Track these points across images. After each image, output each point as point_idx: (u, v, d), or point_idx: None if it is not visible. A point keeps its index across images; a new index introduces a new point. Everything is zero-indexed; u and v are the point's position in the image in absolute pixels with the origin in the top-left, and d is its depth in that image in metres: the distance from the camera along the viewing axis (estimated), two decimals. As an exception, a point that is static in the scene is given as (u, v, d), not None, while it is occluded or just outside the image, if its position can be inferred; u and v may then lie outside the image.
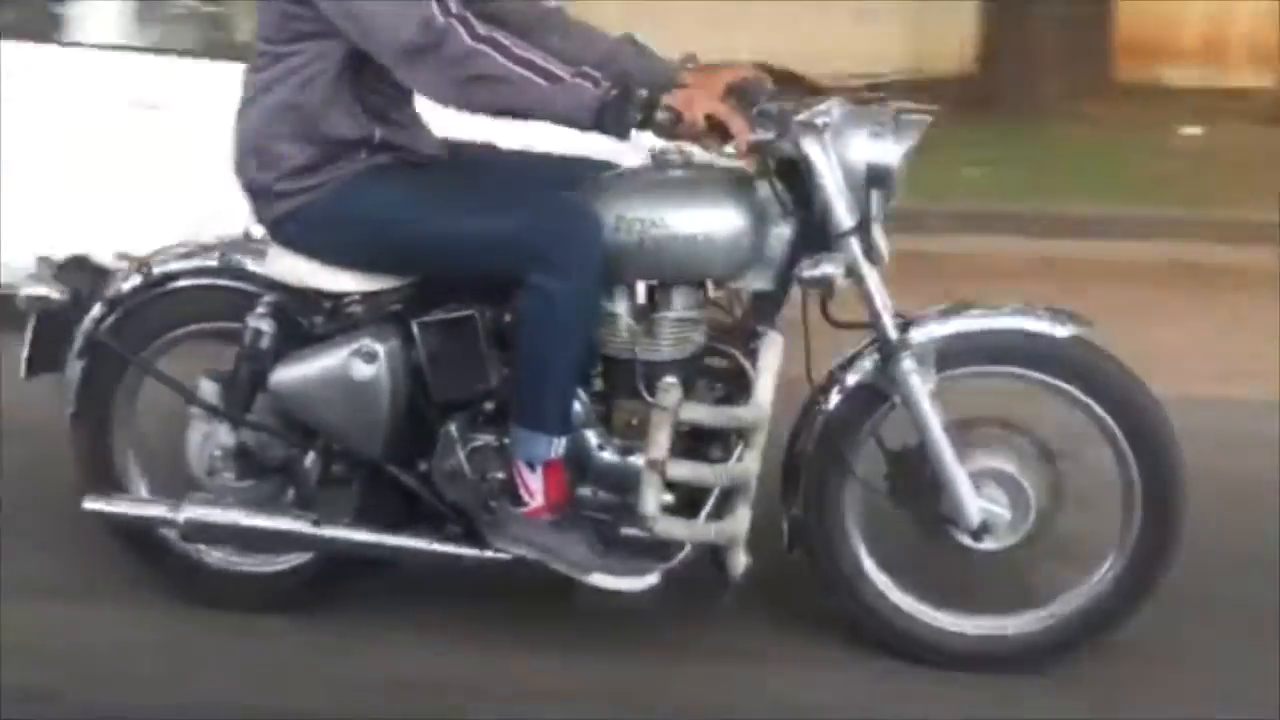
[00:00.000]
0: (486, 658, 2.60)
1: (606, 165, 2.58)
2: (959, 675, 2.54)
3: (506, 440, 2.46)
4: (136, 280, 2.63)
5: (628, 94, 2.22)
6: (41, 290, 2.63)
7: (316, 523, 2.57)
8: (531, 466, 2.39)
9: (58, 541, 2.94)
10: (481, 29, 2.22)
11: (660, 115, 2.23)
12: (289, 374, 2.51)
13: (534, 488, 2.40)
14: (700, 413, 2.39)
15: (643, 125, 2.24)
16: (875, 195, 2.37)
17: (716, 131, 2.26)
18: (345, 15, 2.27)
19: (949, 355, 2.45)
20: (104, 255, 2.72)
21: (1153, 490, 2.47)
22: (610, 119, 2.21)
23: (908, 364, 2.42)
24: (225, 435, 2.62)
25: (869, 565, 2.59)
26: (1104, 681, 2.54)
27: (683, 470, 2.38)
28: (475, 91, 2.23)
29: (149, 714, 2.46)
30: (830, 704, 2.49)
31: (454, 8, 2.22)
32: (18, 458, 3.27)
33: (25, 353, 2.67)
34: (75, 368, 2.66)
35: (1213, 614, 2.71)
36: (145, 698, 2.49)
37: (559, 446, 2.39)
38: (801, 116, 2.34)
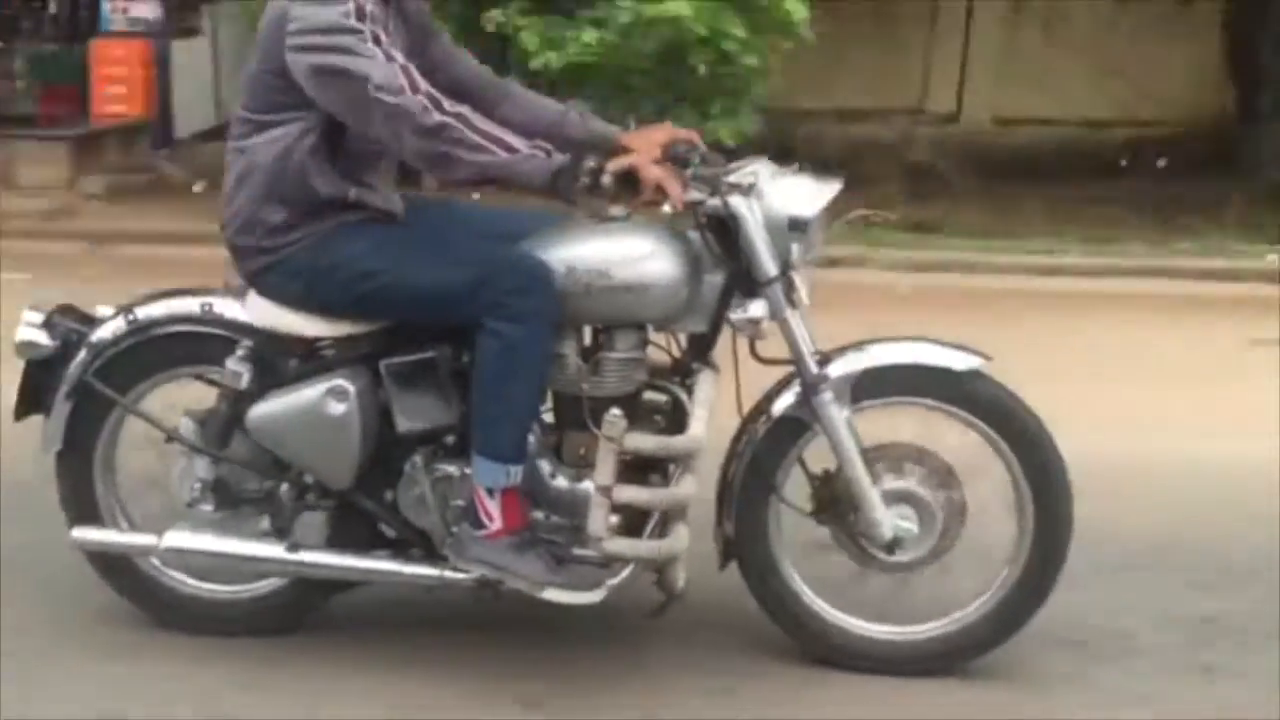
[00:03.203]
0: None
1: (555, 219, 2.85)
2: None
3: (467, 470, 2.70)
4: (121, 326, 2.83)
5: (577, 163, 2.50)
6: (32, 337, 2.83)
7: (291, 548, 2.79)
8: (490, 493, 2.64)
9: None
10: (449, 105, 2.50)
11: (605, 180, 2.51)
12: (266, 412, 2.74)
13: (493, 512, 2.64)
14: (642, 442, 2.65)
15: (589, 190, 2.52)
16: (795, 246, 2.67)
17: (658, 194, 2.54)
18: (322, 91, 2.53)
19: (862, 388, 2.75)
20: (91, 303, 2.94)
21: (1042, 506, 2.77)
22: (562, 184, 2.50)
23: (826, 396, 2.71)
24: (204, 470, 2.84)
25: (794, 578, 2.87)
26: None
27: (627, 495, 2.65)
28: (444, 159, 2.50)
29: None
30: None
31: (421, 85, 2.49)
32: None
33: (15, 397, 2.87)
34: (63, 409, 2.85)
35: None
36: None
37: (516, 474, 2.63)
38: (731, 178, 2.64)
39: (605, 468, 2.62)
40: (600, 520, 2.63)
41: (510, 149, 2.50)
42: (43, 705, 2.72)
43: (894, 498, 2.78)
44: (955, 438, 2.81)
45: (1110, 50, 9.48)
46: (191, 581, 2.99)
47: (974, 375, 2.75)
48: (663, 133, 2.81)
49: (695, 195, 2.61)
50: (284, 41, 2.55)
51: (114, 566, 2.98)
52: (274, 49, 2.58)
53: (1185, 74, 9.48)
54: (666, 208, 2.55)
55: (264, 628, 2.98)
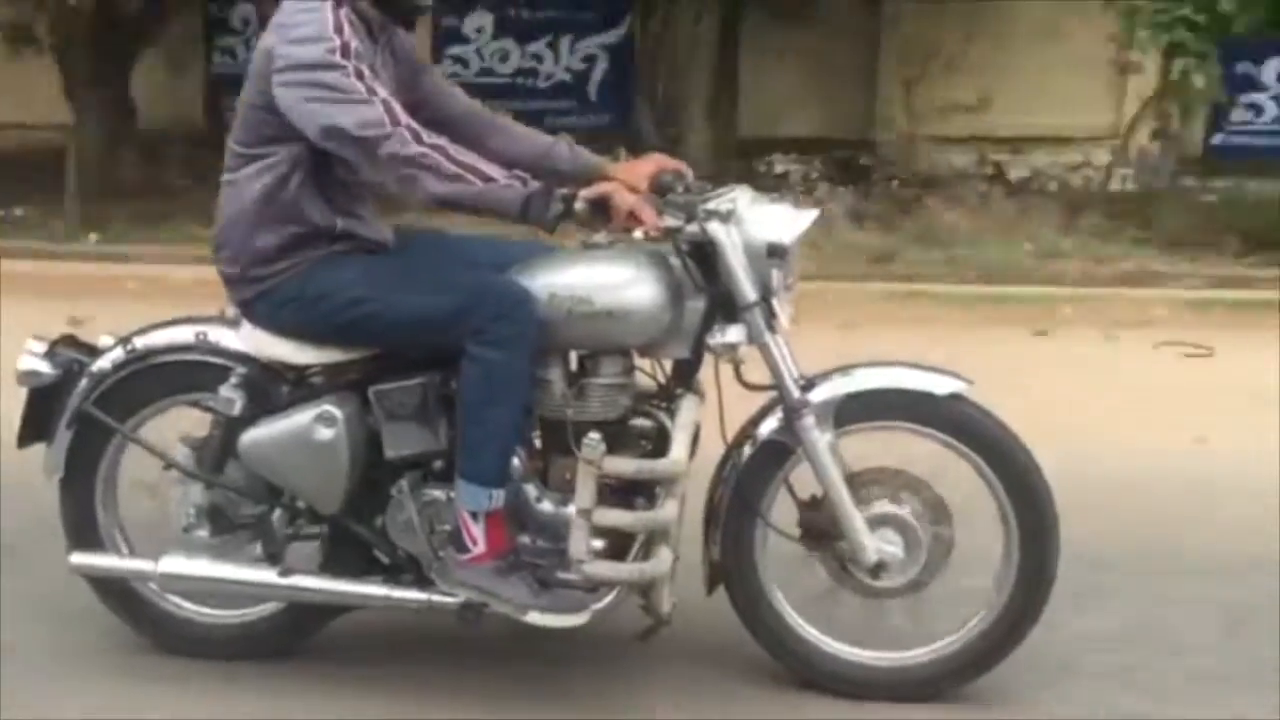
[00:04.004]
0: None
1: (545, 248, 2.90)
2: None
3: (453, 495, 2.74)
4: (120, 356, 2.90)
5: (549, 192, 2.56)
6: (34, 367, 2.91)
7: (282, 573, 2.84)
8: (474, 516, 2.67)
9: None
10: (428, 136, 2.56)
11: (578, 208, 2.56)
12: (257, 438, 2.79)
13: (477, 535, 2.68)
14: (622, 466, 2.67)
15: (563, 217, 2.57)
16: (775, 272, 2.70)
17: (631, 220, 2.58)
18: (307, 120, 2.59)
19: (845, 412, 2.76)
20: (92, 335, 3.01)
21: (1027, 530, 2.76)
22: (534, 213, 2.55)
23: (808, 421, 2.72)
24: (199, 495, 2.91)
25: (782, 603, 2.88)
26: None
27: (608, 518, 2.67)
28: (421, 186, 2.56)
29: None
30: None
31: (403, 119, 2.56)
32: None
33: (18, 425, 2.95)
34: (64, 437, 2.92)
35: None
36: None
37: (498, 498, 2.67)
38: (710, 205, 2.67)
39: (585, 491, 2.64)
40: (581, 543, 2.66)
41: (487, 178, 2.55)
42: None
43: (879, 522, 2.78)
44: (939, 462, 2.81)
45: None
46: (189, 606, 3.04)
47: (955, 399, 2.76)
48: (650, 164, 2.85)
49: (671, 221, 2.64)
50: (271, 77, 2.62)
51: (113, 590, 3.04)
52: (262, 84, 2.66)
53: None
54: (638, 234, 2.59)
55: (260, 652, 3.03)
